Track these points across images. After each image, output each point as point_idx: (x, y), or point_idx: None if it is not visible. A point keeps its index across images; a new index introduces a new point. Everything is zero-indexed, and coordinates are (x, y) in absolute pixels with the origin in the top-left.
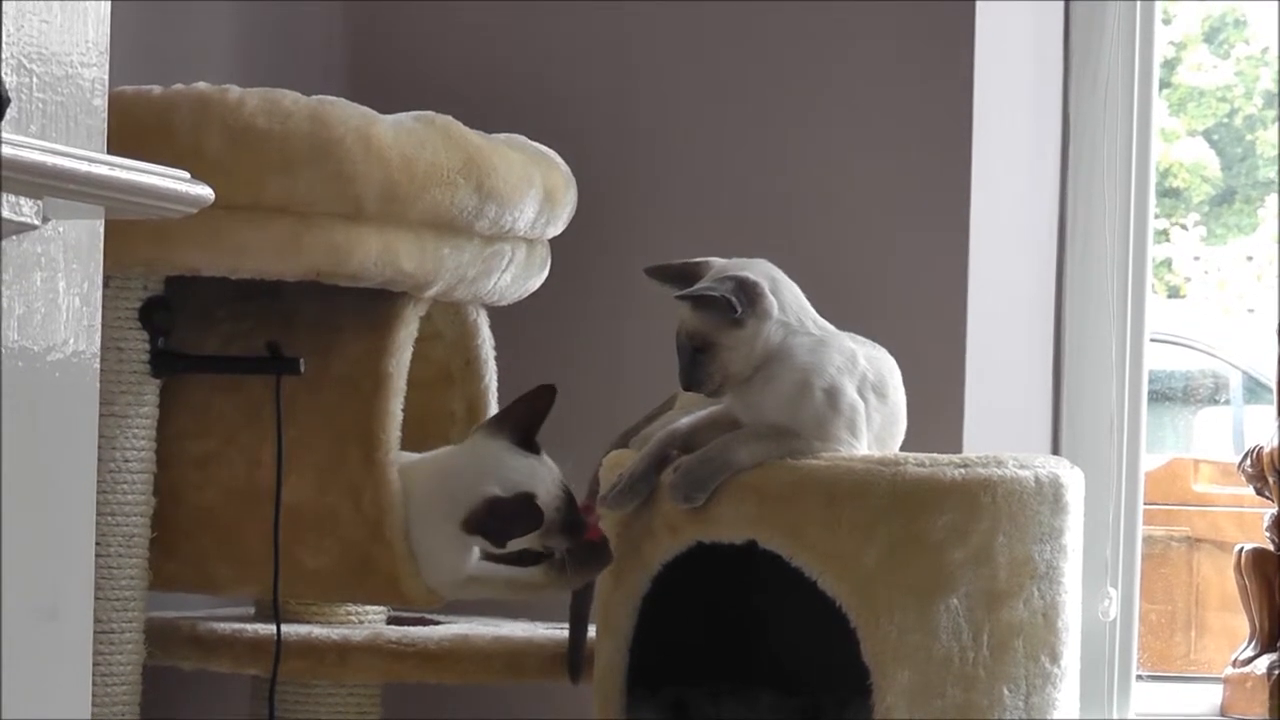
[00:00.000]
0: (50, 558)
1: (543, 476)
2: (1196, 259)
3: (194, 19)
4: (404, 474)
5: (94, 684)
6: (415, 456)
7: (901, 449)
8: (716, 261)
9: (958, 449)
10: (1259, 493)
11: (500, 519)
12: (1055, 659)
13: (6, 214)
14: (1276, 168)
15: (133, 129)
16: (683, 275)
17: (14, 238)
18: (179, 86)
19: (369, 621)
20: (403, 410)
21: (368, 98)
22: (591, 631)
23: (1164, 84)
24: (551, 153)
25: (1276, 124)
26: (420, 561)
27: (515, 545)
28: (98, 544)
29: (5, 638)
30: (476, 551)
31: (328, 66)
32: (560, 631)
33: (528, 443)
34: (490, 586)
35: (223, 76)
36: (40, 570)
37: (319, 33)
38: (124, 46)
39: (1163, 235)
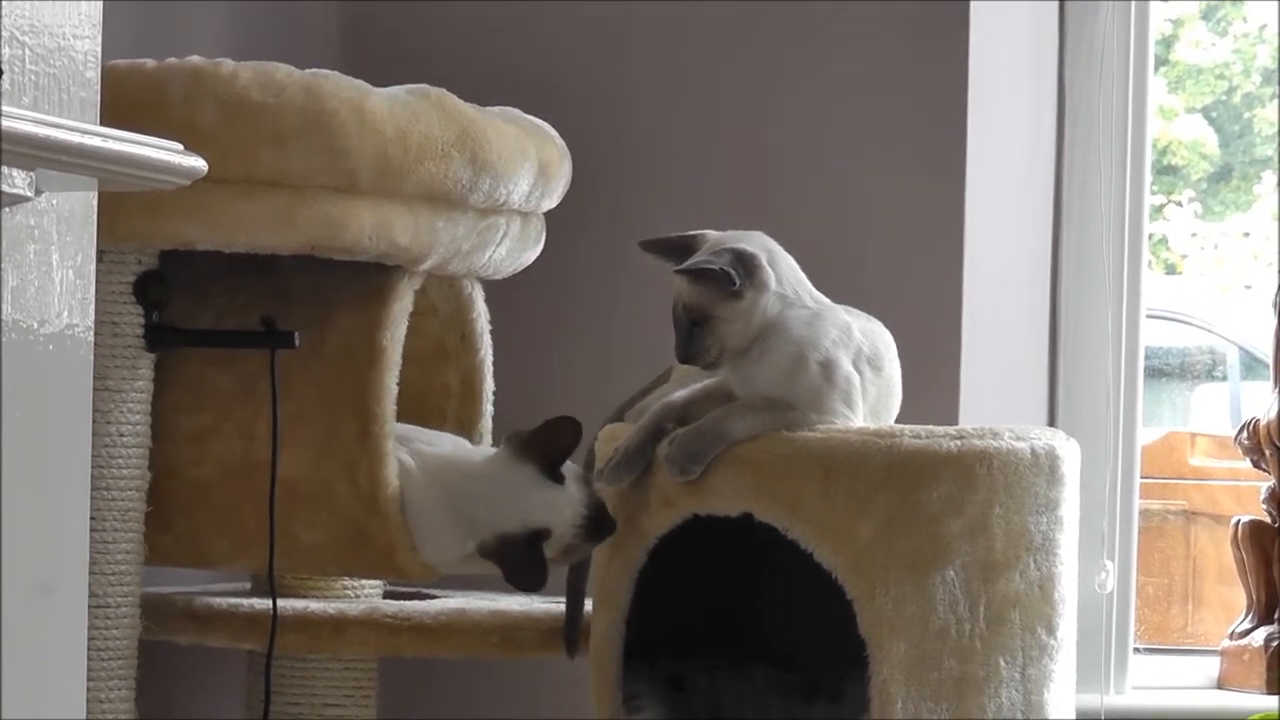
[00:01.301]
0: (45, 533)
1: (561, 507)
2: (1194, 236)
3: None
4: (423, 465)
5: (89, 659)
6: (435, 450)
7: (897, 422)
8: (711, 234)
9: (953, 422)
10: (1256, 465)
11: (507, 560)
12: (1052, 631)
13: (0, 186)
14: (1274, 145)
15: (126, 102)
16: (678, 248)
17: (7, 210)
18: (172, 60)
19: (365, 596)
20: (398, 384)
21: (361, 72)
22: (588, 605)
23: (1162, 61)
24: (546, 126)
25: (1274, 101)
26: (420, 538)
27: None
28: (93, 519)
29: (1, 614)
30: None
31: (322, 41)
32: (557, 605)
33: (553, 472)
34: (487, 562)
35: (216, 52)
36: (35, 546)
37: (313, 7)
38: (119, 26)
39: (1158, 212)
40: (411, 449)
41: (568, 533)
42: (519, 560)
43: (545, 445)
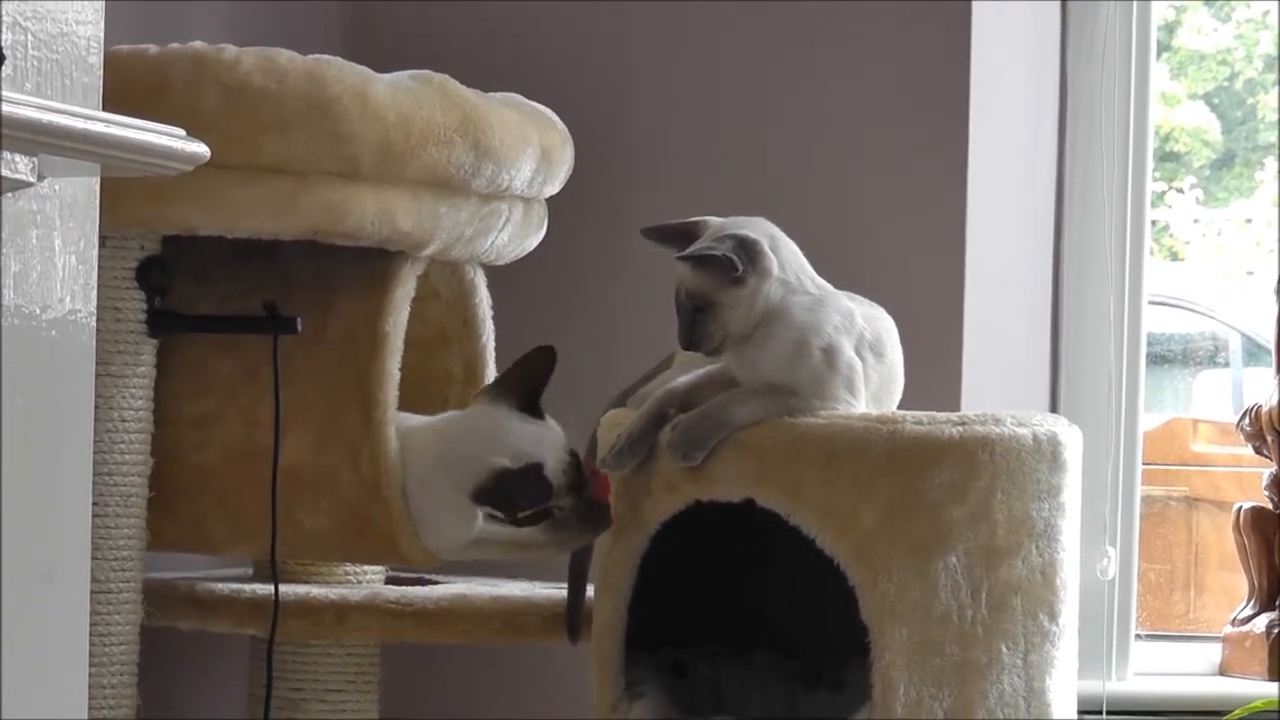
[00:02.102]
0: (47, 519)
1: (549, 442)
2: (1196, 222)
3: None
4: (406, 438)
5: (92, 645)
6: (416, 420)
7: (900, 408)
8: (713, 221)
9: (956, 408)
10: (1258, 451)
11: (509, 491)
12: (1054, 617)
13: (3, 171)
14: (1277, 131)
15: (129, 87)
16: (680, 235)
17: (10, 195)
18: (175, 46)
19: (367, 581)
20: (400, 370)
21: (363, 58)
22: (590, 591)
23: (1164, 47)
24: (548, 111)
25: (1277, 87)
26: (422, 525)
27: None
28: (95, 505)
29: (3, 600)
30: (480, 515)
31: (324, 27)
32: (559, 591)
33: (532, 407)
34: (490, 547)
35: (219, 38)
36: (37, 532)
37: (313, 4)
38: (122, 14)
39: (1161, 199)
40: (399, 429)
41: (558, 470)
42: (518, 487)
43: (521, 379)
